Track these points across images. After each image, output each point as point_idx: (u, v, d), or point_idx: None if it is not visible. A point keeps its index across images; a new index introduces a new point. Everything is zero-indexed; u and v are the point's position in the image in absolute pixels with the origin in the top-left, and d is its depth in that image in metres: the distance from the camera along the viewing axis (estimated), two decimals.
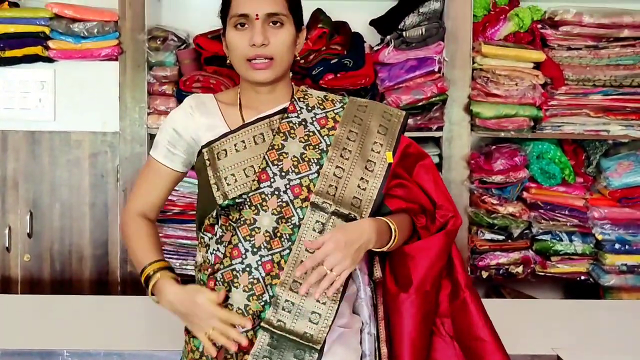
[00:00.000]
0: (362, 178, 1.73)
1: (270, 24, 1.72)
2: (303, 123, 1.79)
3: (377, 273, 1.81)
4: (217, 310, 1.62)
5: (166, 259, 1.77)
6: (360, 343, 1.76)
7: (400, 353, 1.73)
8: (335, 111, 1.82)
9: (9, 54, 3.12)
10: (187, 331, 1.76)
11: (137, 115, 3.16)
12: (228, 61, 1.81)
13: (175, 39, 3.21)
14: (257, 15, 1.69)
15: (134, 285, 3.16)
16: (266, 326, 1.62)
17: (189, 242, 3.18)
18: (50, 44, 3.12)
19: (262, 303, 1.65)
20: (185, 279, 1.75)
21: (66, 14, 3.11)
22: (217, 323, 1.61)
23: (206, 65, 3.17)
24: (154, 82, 3.18)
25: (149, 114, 3.17)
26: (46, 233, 3.19)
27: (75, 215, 3.19)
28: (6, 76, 3.15)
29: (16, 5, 3.26)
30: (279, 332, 1.62)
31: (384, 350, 1.75)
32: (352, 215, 1.68)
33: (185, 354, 1.76)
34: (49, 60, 3.14)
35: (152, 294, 1.73)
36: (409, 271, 1.75)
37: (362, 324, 1.78)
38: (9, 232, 3.17)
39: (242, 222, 1.70)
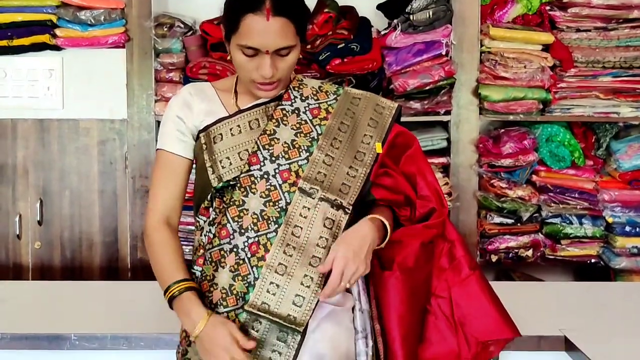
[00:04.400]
0: (351, 166, 1.76)
1: (279, 54, 1.70)
2: (296, 111, 1.81)
3: None
4: (236, 352, 1.58)
5: (191, 279, 1.73)
6: (353, 321, 1.76)
7: (390, 328, 1.74)
8: (329, 102, 1.84)
9: (17, 42, 3.12)
10: None
11: (145, 103, 3.16)
12: (229, 57, 1.78)
13: (182, 25, 3.22)
14: (267, 50, 1.67)
15: (144, 271, 3.17)
16: (249, 309, 1.64)
17: None
18: (57, 32, 3.13)
19: (246, 284, 1.67)
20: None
21: (73, 1, 3.11)
22: None
23: (212, 51, 3.17)
24: (161, 69, 3.19)
25: (156, 101, 3.17)
26: (56, 220, 3.21)
27: (84, 203, 3.21)
28: (14, 65, 3.16)
29: None
30: (263, 314, 1.63)
31: (377, 326, 1.76)
32: (338, 202, 1.71)
33: (180, 333, 1.79)
34: (57, 48, 3.15)
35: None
36: (391, 253, 1.77)
37: (354, 302, 1.78)
38: (19, 219, 3.19)
39: (231, 203, 1.72)
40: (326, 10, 3.14)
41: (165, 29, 3.19)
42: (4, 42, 3.13)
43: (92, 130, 3.19)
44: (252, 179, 1.73)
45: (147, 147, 3.17)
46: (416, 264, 1.77)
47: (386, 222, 1.73)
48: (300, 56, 1.88)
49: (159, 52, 3.20)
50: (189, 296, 1.67)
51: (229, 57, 1.77)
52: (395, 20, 3.17)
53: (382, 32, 3.25)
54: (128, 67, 3.16)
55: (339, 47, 3.11)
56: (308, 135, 1.78)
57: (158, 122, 3.18)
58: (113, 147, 3.19)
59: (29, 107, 3.17)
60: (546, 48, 3.16)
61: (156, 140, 3.04)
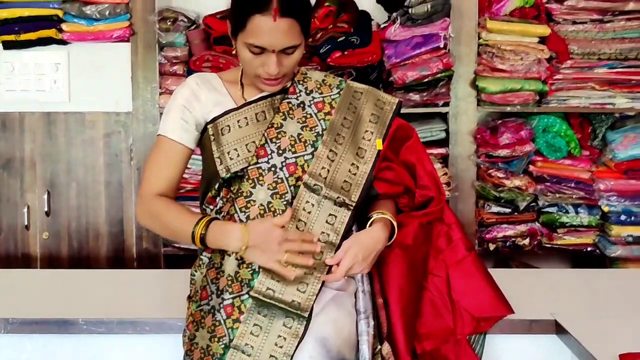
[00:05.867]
0: (353, 163, 1.83)
1: (285, 52, 1.75)
2: (301, 105, 1.87)
3: None
4: (286, 233, 1.69)
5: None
6: (355, 304, 1.83)
7: (390, 301, 1.83)
8: (332, 97, 1.90)
9: (24, 37, 3.19)
10: (189, 298, 1.87)
11: (149, 95, 3.23)
12: (234, 52, 1.83)
13: (185, 19, 3.28)
14: (273, 49, 1.73)
15: (150, 261, 3.27)
16: (255, 294, 1.70)
17: None
18: (63, 26, 3.19)
19: (251, 271, 1.74)
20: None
21: None
22: (290, 245, 1.68)
23: (215, 45, 3.22)
24: (165, 63, 3.25)
25: (160, 93, 3.23)
26: (63, 211, 3.28)
27: (91, 194, 3.28)
28: (22, 59, 3.22)
29: None
30: (268, 300, 1.70)
31: (380, 300, 1.84)
32: (341, 199, 1.79)
33: (187, 318, 1.86)
34: (63, 42, 3.21)
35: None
36: None
37: (357, 285, 1.85)
38: (27, 211, 3.27)
39: (239, 194, 1.78)
40: (327, 4, 3.20)
41: (169, 23, 3.25)
42: (11, 37, 3.20)
43: (97, 123, 3.26)
44: (260, 171, 1.79)
45: (152, 139, 3.19)
46: (415, 242, 1.87)
47: (394, 223, 1.83)
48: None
49: (162, 46, 3.26)
50: (217, 223, 1.73)
51: (234, 52, 1.82)
52: (394, 14, 3.22)
53: (382, 26, 3.30)
54: (133, 61, 3.22)
55: (339, 40, 3.16)
56: (313, 129, 1.84)
57: (162, 114, 3.24)
58: (118, 139, 3.26)
59: (36, 101, 3.24)
60: (542, 40, 3.20)
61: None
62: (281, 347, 1.69)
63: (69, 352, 2.14)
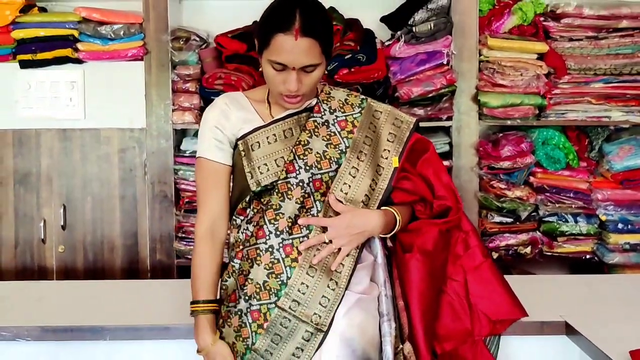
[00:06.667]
0: (373, 179, 1.94)
1: (305, 70, 1.85)
2: (326, 124, 1.97)
3: (389, 243, 2.03)
4: None
5: (215, 301, 1.94)
6: (378, 307, 1.92)
7: (411, 304, 1.93)
8: (354, 116, 2.01)
9: (40, 56, 3.29)
10: (220, 302, 1.97)
11: (163, 112, 3.33)
12: (260, 69, 1.93)
13: (197, 38, 3.38)
14: (294, 67, 1.83)
15: (163, 272, 3.35)
16: (282, 305, 1.81)
17: None
18: (79, 46, 3.30)
19: (279, 282, 1.84)
20: None
21: (94, 17, 3.29)
22: None
23: (227, 63, 3.33)
24: (178, 80, 3.35)
25: (173, 110, 3.33)
26: (79, 225, 3.37)
27: (106, 208, 3.37)
28: (38, 77, 3.32)
29: (44, 10, 3.44)
30: (292, 312, 1.81)
31: (401, 303, 1.94)
32: None
33: (218, 320, 1.96)
34: (79, 61, 3.32)
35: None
36: (411, 239, 1.98)
37: (380, 290, 1.95)
38: (44, 224, 3.35)
39: (269, 207, 1.89)
40: (334, 22, 3.30)
41: (182, 42, 3.35)
42: (28, 56, 3.30)
43: (112, 139, 3.35)
44: (289, 185, 1.89)
45: (165, 154, 3.33)
46: (435, 248, 1.97)
47: (397, 216, 1.92)
48: None
49: (175, 64, 3.36)
50: (208, 318, 1.90)
51: (260, 69, 1.92)
52: (398, 32, 3.34)
53: (386, 43, 3.41)
54: (146, 79, 3.32)
55: (346, 57, 3.28)
56: (337, 147, 1.94)
57: (175, 131, 3.35)
58: (133, 154, 3.35)
59: (53, 118, 3.34)
60: (541, 57, 3.32)
61: (174, 148, 3.24)
62: (298, 357, 1.80)
63: (101, 358, 2.24)
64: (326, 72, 3.23)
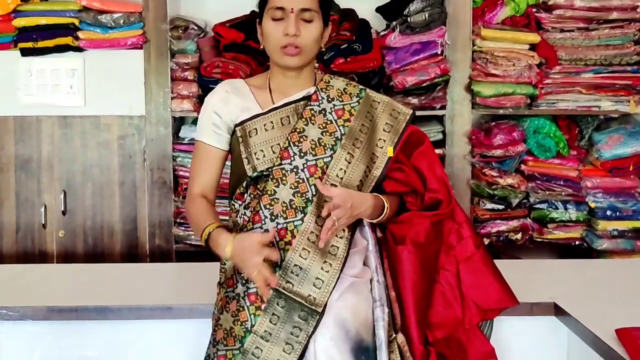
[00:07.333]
0: (367, 166, 2.00)
1: (303, 19, 1.93)
2: (323, 112, 2.03)
3: (378, 233, 2.06)
4: (266, 250, 1.79)
5: (223, 223, 1.95)
6: (371, 291, 1.97)
7: (404, 295, 1.97)
8: (352, 105, 2.06)
9: (41, 44, 3.33)
10: (219, 285, 2.03)
11: (162, 100, 3.38)
12: (262, 47, 2.02)
13: (196, 27, 3.43)
14: (292, 9, 1.91)
15: (162, 256, 3.41)
16: (275, 287, 1.85)
17: None
18: (79, 34, 3.34)
19: (274, 265, 1.88)
20: None
21: (94, 6, 3.33)
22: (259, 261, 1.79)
23: (225, 52, 3.38)
24: (177, 69, 3.40)
25: (172, 98, 3.39)
26: (79, 210, 3.42)
27: (105, 194, 3.42)
28: (39, 65, 3.36)
29: None
30: (287, 293, 1.86)
31: (392, 294, 1.98)
32: None
33: (216, 302, 2.02)
34: (79, 49, 3.36)
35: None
36: (403, 231, 2.02)
37: (372, 275, 2.00)
38: (44, 210, 3.40)
39: (264, 192, 1.95)
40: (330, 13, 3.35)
41: (180, 31, 3.40)
42: (29, 44, 3.34)
43: (112, 126, 3.40)
44: (284, 171, 1.95)
45: (164, 141, 3.39)
46: (427, 240, 2.01)
47: (386, 204, 1.96)
48: (316, 64, 2.11)
49: (174, 53, 3.41)
50: (218, 230, 1.89)
51: (261, 47, 2.01)
52: (393, 22, 3.40)
53: (382, 33, 3.47)
54: (146, 67, 3.37)
55: (342, 47, 3.33)
56: (333, 134, 2.00)
57: (174, 118, 3.41)
58: (132, 141, 3.40)
59: (53, 105, 3.38)
60: (533, 47, 3.39)
61: (172, 135, 3.30)
62: (297, 336, 1.85)
63: (106, 337, 2.30)
64: (321, 63, 3.32)
